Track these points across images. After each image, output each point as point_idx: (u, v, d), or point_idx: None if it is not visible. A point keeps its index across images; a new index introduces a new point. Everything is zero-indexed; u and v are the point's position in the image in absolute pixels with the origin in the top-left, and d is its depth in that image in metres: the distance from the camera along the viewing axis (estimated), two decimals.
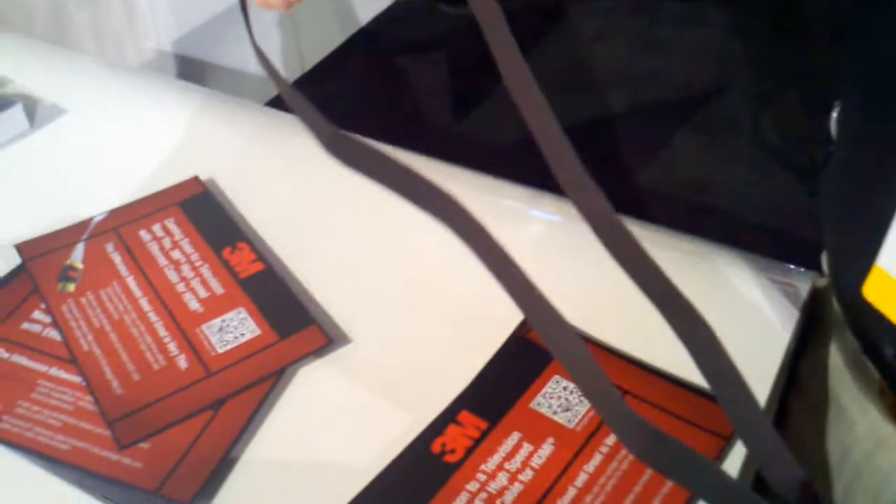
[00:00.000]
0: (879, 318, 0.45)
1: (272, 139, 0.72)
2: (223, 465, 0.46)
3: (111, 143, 0.72)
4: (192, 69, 1.71)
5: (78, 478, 0.45)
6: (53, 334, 0.53)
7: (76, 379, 0.50)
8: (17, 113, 0.71)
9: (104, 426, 0.48)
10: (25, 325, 0.53)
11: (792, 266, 0.58)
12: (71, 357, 0.51)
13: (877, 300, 0.44)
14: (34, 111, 0.74)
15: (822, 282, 0.58)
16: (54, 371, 0.51)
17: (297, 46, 1.90)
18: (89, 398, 0.49)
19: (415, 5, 1.83)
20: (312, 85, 1.82)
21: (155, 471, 0.45)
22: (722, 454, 0.47)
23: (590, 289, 0.55)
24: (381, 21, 2.08)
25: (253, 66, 1.58)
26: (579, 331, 0.53)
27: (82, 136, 0.72)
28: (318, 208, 0.64)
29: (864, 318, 0.48)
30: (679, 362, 0.44)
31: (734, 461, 0.47)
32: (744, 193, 0.74)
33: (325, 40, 1.98)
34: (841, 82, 0.49)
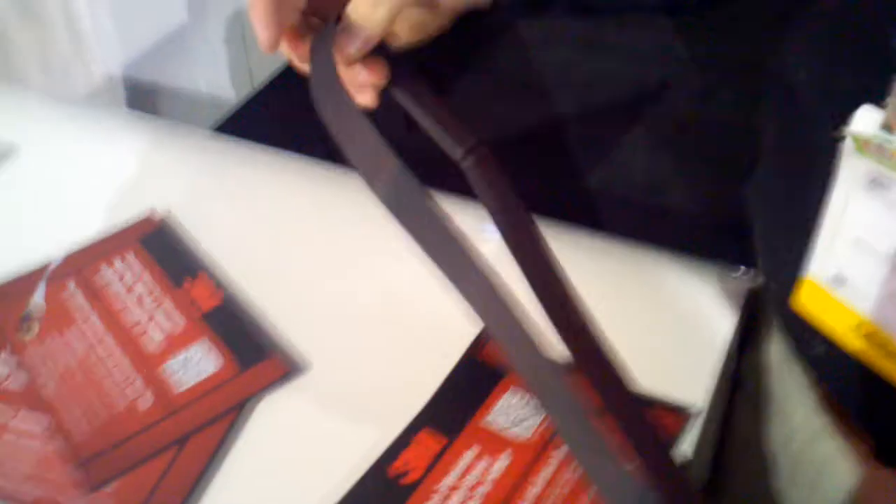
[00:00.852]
0: (804, 322, 0.47)
1: (224, 168, 0.73)
2: (191, 499, 0.48)
3: (64, 181, 0.72)
4: (142, 94, 1.70)
5: None
6: (13, 383, 0.54)
7: (36, 429, 0.51)
8: None
9: (70, 468, 0.49)
10: None
11: (737, 267, 0.61)
12: (35, 403, 0.53)
13: (806, 310, 0.47)
14: None
15: (759, 283, 0.61)
16: (16, 423, 0.52)
17: (246, 63, 1.90)
18: (52, 445, 0.50)
19: None
20: (264, 103, 1.83)
21: None
22: None
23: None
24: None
25: (203, 87, 1.59)
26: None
27: (33, 177, 0.73)
28: (273, 236, 0.66)
29: (793, 321, 0.51)
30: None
31: None
32: (693, 194, 0.76)
33: (275, 56, 1.98)
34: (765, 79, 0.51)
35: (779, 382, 0.57)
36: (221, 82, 1.65)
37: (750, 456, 0.60)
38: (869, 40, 0.40)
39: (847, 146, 0.41)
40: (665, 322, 0.58)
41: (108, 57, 1.66)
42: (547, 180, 0.90)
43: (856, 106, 0.39)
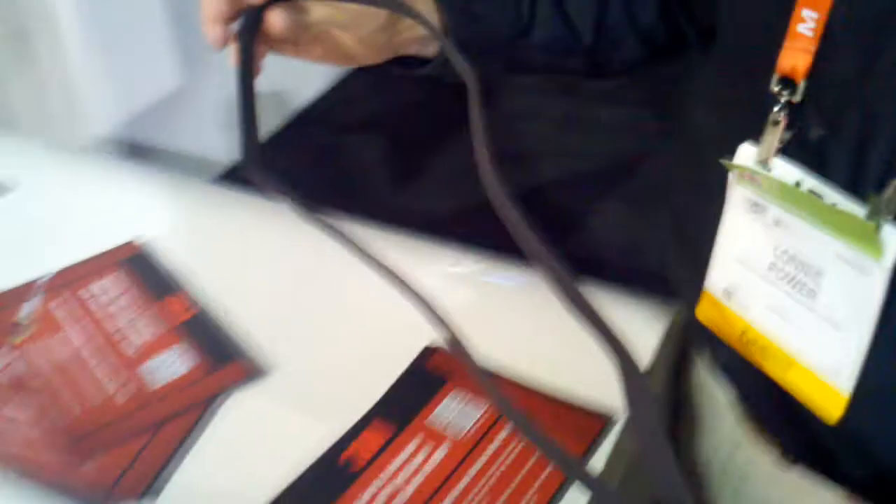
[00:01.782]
0: (709, 333, 0.54)
1: (202, 206, 0.81)
2: (160, 479, 0.53)
3: (53, 217, 0.79)
4: (136, 153, 1.77)
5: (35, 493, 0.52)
6: (7, 376, 0.60)
7: (22, 417, 0.57)
8: None
9: (54, 451, 0.55)
10: None
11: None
12: (25, 393, 0.58)
13: (706, 320, 0.54)
14: None
15: (678, 310, 0.68)
16: (9, 408, 0.58)
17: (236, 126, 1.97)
18: (37, 429, 0.56)
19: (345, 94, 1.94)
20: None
21: (102, 483, 0.53)
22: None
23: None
24: (316, 105, 2.19)
25: (197, 148, 1.65)
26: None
27: (27, 212, 0.80)
28: (244, 262, 0.73)
29: (699, 335, 0.58)
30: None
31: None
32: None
33: (266, 119, 2.07)
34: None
35: (704, 399, 0.64)
36: (215, 143, 1.72)
37: (687, 469, 0.66)
38: (747, 86, 0.47)
39: (731, 177, 0.49)
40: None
41: (103, 114, 1.73)
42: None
43: (741, 142, 0.47)
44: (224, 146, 1.97)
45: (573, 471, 0.48)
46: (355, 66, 0.58)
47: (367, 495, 0.53)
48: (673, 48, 0.60)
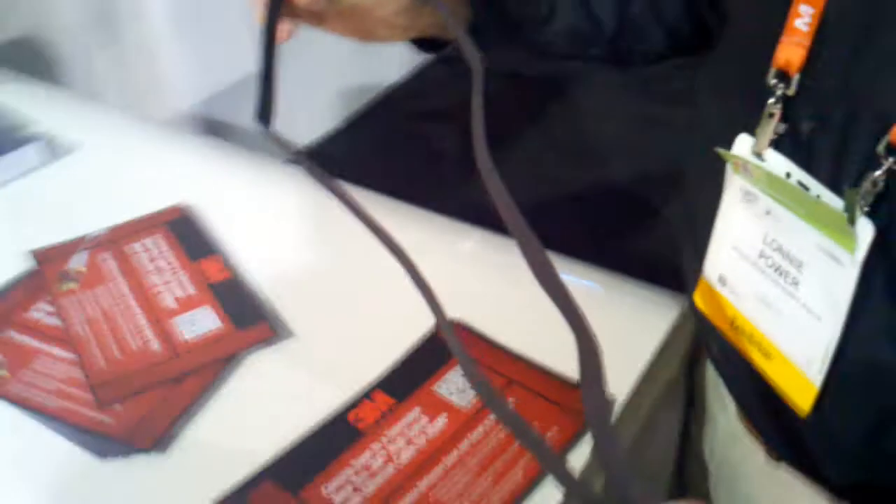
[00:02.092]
0: (705, 319, 0.56)
1: (247, 175, 0.85)
2: (179, 424, 0.58)
3: (111, 177, 0.85)
4: (212, 129, 1.85)
5: (64, 429, 0.57)
6: (54, 321, 0.65)
7: (69, 356, 0.62)
8: (36, 148, 0.85)
9: (88, 390, 0.60)
10: (33, 314, 0.66)
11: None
12: (66, 338, 0.64)
13: (702, 307, 0.56)
14: (52, 148, 0.88)
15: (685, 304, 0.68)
16: (52, 349, 0.63)
17: (310, 114, 2.04)
18: (78, 370, 0.61)
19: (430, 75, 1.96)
20: (330, 145, 1.96)
21: (124, 425, 0.57)
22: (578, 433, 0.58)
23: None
24: (391, 94, 2.23)
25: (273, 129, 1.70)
26: (476, 329, 0.65)
27: (91, 171, 0.86)
28: (280, 233, 0.77)
29: (699, 323, 0.59)
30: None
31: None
32: None
33: (337, 109, 2.14)
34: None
35: (709, 389, 0.64)
36: (290, 124, 1.78)
37: (695, 463, 0.67)
38: (749, 77, 0.48)
39: (728, 166, 0.50)
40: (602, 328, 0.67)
41: (183, 90, 1.81)
42: (597, 241, 0.97)
43: (739, 132, 0.48)
44: (299, 128, 2.03)
45: (548, 463, 0.49)
46: (376, 43, 0.60)
47: (368, 453, 0.56)
48: (697, 41, 0.61)
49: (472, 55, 0.51)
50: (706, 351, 0.61)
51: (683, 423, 0.72)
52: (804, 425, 0.47)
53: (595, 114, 2.09)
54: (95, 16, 1.62)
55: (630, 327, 0.67)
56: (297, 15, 0.55)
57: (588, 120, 2.12)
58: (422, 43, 0.62)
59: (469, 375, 0.46)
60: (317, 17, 0.56)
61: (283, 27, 0.55)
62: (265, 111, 0.57)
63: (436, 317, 0.48)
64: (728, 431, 0.62)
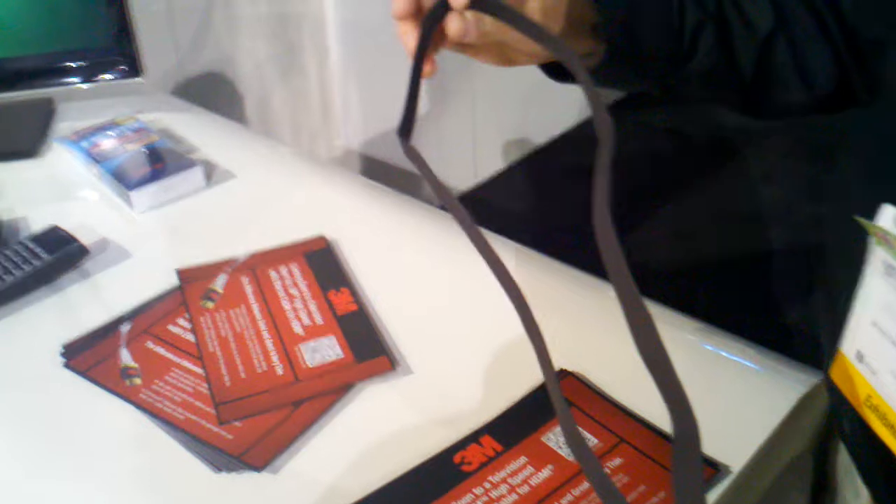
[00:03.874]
0: (840, 396, 0.52)
1: (394, 216, 0.88)
2: (292, 448, 0.59)
3: (263, 205, 0.90)
4: (373, 168, 1.92)
5: (185, 440, 0.60)
6: (190, 336, 0.69)
7: (199, 370, 0.66)
8: (197, 173, 0.91)
9: (212, 406, 0.62)
10: (171, 328, 0.70)
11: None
12: (199, 354, 0.67)
13: (838, 381, 0.52)
14: (211, 174, 0.94)
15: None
16: (185, 363, 0.67)
17: (473, 158, 2.07)
18: (205, 385, 0.64)
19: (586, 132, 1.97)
20: (482, 194, 1.99)
21: (241, 443, 0.60)
22: None
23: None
24: (552, 145, 2.22)
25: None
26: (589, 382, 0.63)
27: (243, 198, 0.91)
28: (412, 273, 0.79)
29: (833, 399, 0.56)
30: None
31: None
32: None
33: (500, 156, 2.17)
34: None
35: (844, 474, 0.60)
36: (447, 172, 1.81)
37: None
38: None
39: (871, 239, 0.47)
40: (727, 395, 0.64)
41: (350, 133, 1.90)
42: (750, 313, 0.93)
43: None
44: (458, 173, 2.07)
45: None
46: (511, 66, 0.60)
47: (469, 496, 0.56)
48: (840, 99, 0.58)
49: (602, 118, 0.48)
50: (838, 430, 0.57)
51: None
52: None
53: (764, 178, 2.02)
54: (279, 49, 1.72)
55: (757, 398, 0.63)
56: (446, 42, 0.56)
57: (756, 184, 2.05)
58: (558, 71, 0.61)
59: (566, 434, 0.45)
60: (462, 46, 0.57)
61: (429, 66, 0.56)
62: (406, 127, 0.60)
63: (542, 368, 0.47)
64: None
